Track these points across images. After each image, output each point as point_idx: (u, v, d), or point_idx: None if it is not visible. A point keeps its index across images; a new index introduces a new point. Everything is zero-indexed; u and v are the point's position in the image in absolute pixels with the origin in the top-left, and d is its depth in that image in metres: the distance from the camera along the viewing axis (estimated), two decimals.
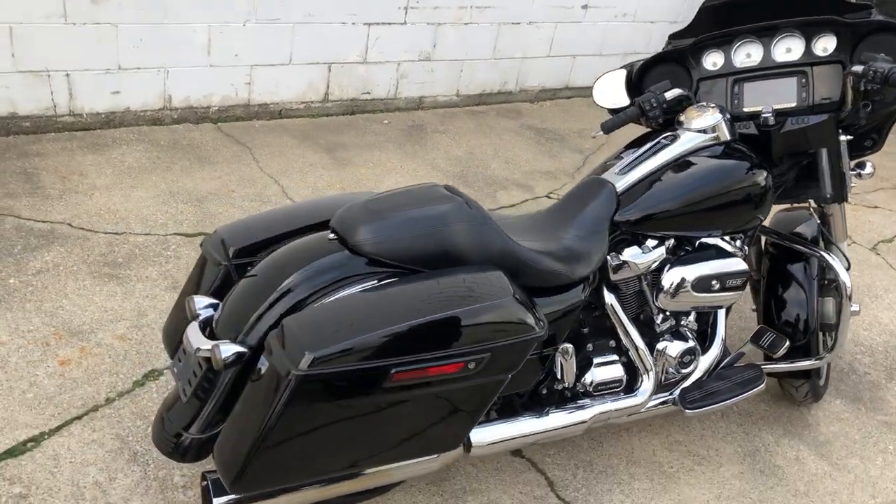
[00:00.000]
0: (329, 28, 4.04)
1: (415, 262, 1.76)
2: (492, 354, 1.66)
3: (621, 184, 2.13)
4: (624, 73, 2.43)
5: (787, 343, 2.36)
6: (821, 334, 2.54)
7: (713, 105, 2.24)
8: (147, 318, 2.57)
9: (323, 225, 1.93)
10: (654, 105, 2.24)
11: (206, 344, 1.67)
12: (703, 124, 2.21)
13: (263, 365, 1.62)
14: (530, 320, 1.72)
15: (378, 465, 1.73)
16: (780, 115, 2.24)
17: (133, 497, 1.96)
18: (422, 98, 4.55)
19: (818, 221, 2.54)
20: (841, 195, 2.35)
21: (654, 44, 5.30)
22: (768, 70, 2.30)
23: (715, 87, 2.34)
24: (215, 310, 1.82)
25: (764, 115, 2.22)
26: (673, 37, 2.49)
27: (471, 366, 1.64)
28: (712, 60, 2.34)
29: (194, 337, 1.72)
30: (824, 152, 2.30)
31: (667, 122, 2.33)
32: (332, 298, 1.68)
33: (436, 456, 1.83)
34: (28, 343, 2.38)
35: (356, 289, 1.71)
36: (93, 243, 2.89)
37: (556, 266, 1.95)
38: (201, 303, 1.82)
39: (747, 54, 2.31)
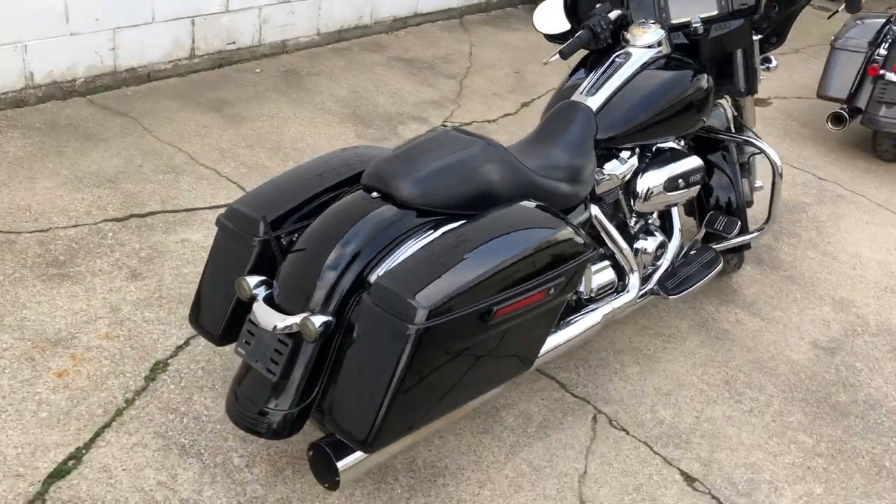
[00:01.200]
0: None
1: (460, 206, 1.86)
2: (564, 278, 1.82)
3: (594, 105, 2.31)
4: (557, 5, 2.58)
5: (739, 224, 2.70)
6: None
7: (653, 21, 2.46)
8: (123, 312, 2.46)
9: (347, 182, 1.96)
10: (605, 27, 2.42)
11: (290, 319, 1.69)
12: (649, 40, 2.42)
13: (362, 327, 1.67)
14: (584, 241, 1.90)
15: (481, 395, 1.86)
16: (706, 22, 2.50)
17: (203, 488, 1.96)
18: (285, 42, 4.44)
19: (729, 113, 2.88)
20: (754, 88, 2.69)
21: None
22: None
23: (643, 2, 2.54)
24: (269, 287, 1.83)
25: (694, 25, 2.47)
26: None
27: (551, 291, 1.79)
28: None
29: (268, 315, 1.73)
30: (740, 52, 2.61)
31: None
32: (407, 253, 1.75)
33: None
34: (11, 363, 2.22)
35: (420, 240, 1.79)
36: (22, 245, 2.67)
37: (569, 189, 2.12)
38: (253, 282, 1.82)
39: None
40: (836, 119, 4.02)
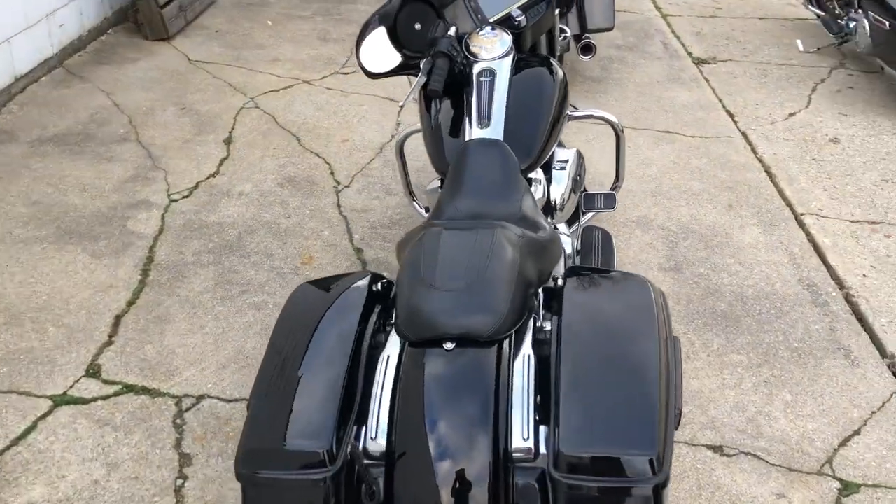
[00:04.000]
0: None
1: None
2: None
3: (499, 135, 2.12)
4: (384, 29, 2.27)
5: (615, 194, 2.71)
6: None
7: (493, 27, 2.29)
8: None
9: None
10: (457, 48, 2.20)
11: None
12: (503, 48, 2.25)
13: None
14: None
15: None
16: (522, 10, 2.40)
17: None
18: None
19: None
20: (562, 61, 2.70)
21: None
22: None
23: (457, 9, 2.35)
24: None
25: (518, 19, 2.36)
26: None
27: None
28: None
29: None
30: (548, 30, 2.60)
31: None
32: (527, 398, 1.49)
33: None
34: None
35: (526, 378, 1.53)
36: None
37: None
38: None
39: None
40: (585, 48, 4.23)
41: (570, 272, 1.75)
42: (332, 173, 3.59)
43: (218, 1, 5.44)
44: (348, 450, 1.46)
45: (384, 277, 1.81)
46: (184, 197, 3.37)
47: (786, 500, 2.15)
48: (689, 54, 5.08)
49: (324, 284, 1.83)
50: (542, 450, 1.44)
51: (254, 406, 1.52)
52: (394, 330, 1.66)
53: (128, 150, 3.68)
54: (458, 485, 1.40)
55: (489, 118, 2.16)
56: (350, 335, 1.62)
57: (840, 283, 3.00)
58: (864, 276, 3.04)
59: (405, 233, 2.05)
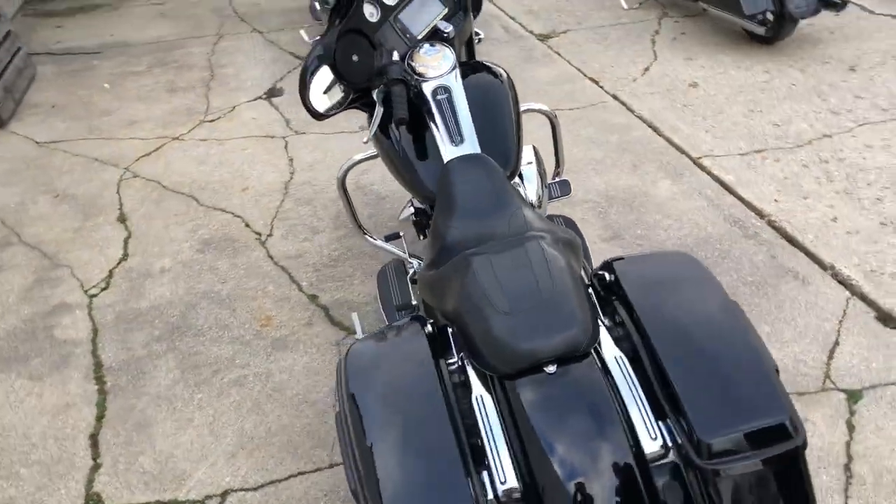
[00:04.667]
0: None
1: None
2: None
3: (476, 149, 2.12)
4: (327, 68, 2.20)
5: (568, 181, 2.77)
6: None
7: (432, 43, 2.27)
8: None
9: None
10: (408, 71, 2.19)
11: None
12: (449, 63, 2.24)
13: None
14: None
15: None
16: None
17: None
18: None
19: None
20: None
21: None
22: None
23: (386, 33, 2.31)
24: None
25: (446, 31, 2.35)
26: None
27: None
28: (370, 12, 2.27)
29: None
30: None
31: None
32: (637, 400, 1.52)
33: None
34: None
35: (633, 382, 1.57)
36: None
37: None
38: None
39: None
40: None
41: (605, 266, 1.79)
42: (247, 226, 3.43)
43: (39, 73, 5.00)
44: (488, 501, 1.44)
45: (427, 320, 1.78)
46: (102, 290, 3.10)
47: (810, 423, 2.33)
48: (531, 33, 5.27)
49: (376, 340, 1.77)
50: (669, 444, 1.48)
51: (383, 482, 1.45)
52: (471, 368, 1.64)
53: (16, 254, 3.33)
54: (608, 500, 1.41)
55: (461, 134, 2.16)
56: (434, 385, 1.58)
57: (759, 213, 3.26)
58: (776, 200, 3.32)
59: (420, 272, 2.02)
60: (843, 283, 2.84)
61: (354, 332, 2.73)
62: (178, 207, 3.58)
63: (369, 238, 2.87)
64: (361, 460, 1.50)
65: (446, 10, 2.40)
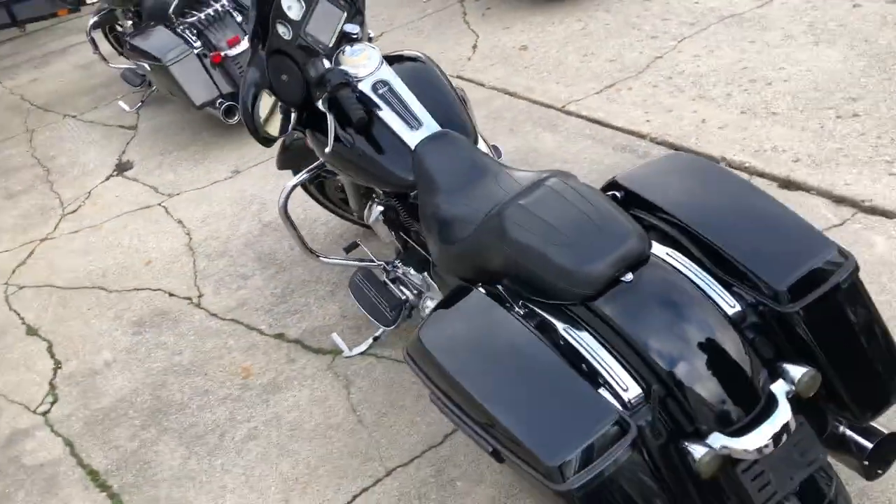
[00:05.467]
0: None
1: None
2: None
3: (436, 128, 2.22)
4: (268, 92, 2.21)
5: None
6: None
7: (352, 44, 2.32)
8: None
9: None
10: (350, 75, 2.22)
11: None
12: (377, 56, 2.31)
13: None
14: None
15: None
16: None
17: None
18: None
19: None
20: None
21: None
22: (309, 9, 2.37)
23: (302, 48, 2.31)
24: None
25: (354, 34, 2.40)
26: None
27: None
28: (282, 31, 2.27)
29: None
30: None
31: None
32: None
33: None
34: None
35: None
36: None
37: None
38: None
39: (288, 7, 2.30)
40: (228, 111, 4.20)
41: (611, 185, 1.96)
42: (171, 295, 3.30)
43: None
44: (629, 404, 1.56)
45: (476, 283, 1.86)
46: (52, 403, 2.87)
47: None
48: None
49: (438, 319, 1.83)
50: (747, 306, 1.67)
51: (522, 427, 1.52)
52: (539, 309, 1.74)
53: None
54: (728, 364, 1.58)
55: (416, 118, 2.26)
56: (523, 330, 1.68)
57: (640, 135, 3.59)
58: (648, 121, 3.67)
59: (439, 253, 2.07)
60: (740, 168, 3.20)
61: (342, 352, 2.76)
62: (87, 301, 3.37)
63: (325, 259, 2.88)
64: (491, 418, 1.56)
65: (345, 15, 2.46)
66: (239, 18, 4.33)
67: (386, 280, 2.65)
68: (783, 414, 1.53)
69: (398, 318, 2.57)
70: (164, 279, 3.41)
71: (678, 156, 2.03)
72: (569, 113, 3.91)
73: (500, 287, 1.85)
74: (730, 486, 1.56)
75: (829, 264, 1.64)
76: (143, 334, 3.12)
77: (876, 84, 3.47)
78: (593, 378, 1.62)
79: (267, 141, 2.30)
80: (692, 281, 1.70)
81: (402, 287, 2.60)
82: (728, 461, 1.54)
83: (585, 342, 1.67)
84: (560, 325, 1.71)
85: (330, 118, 2.25)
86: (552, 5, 5.12)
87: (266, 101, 2.25)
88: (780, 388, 1.57)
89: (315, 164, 2.66)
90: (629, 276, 1.66)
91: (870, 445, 1.67)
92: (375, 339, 2.76)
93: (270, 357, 2.86)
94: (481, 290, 1.83)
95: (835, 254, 1.65)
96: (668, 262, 1.74)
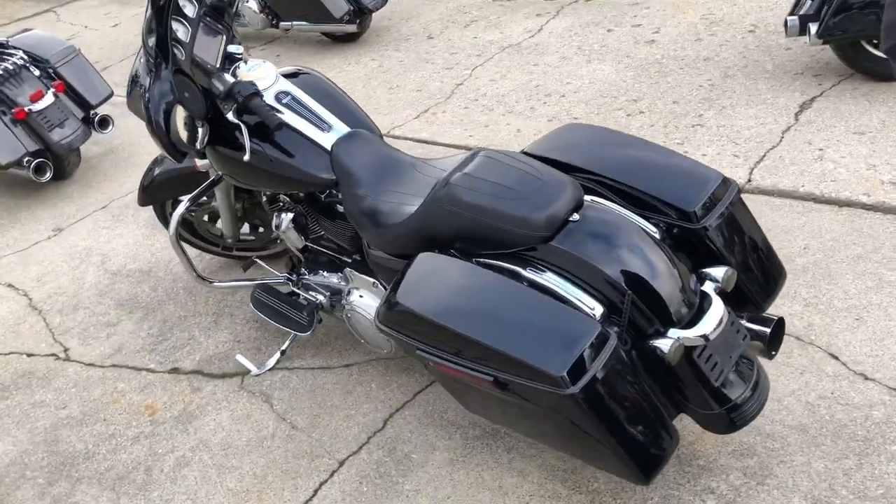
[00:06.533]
0: None
1: None
2: None
3: (346, 129, 2.40)
4: (180, 108, 2.26)
5: None
6: None
7: (245, 60, 2.43)
8: None
9: None
10: (248, 87, 2.30)
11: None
12: (274, 70, 2.45)
13: None
14: None
15: None
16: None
17: None
18: None
19: None
20: None
21: None
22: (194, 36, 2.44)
23: (195, 68, 2.38)
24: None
25: (238, 54, 2.51)
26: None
27: None
28: (177, 52, 2.32)
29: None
30: None
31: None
32: None
33: None
34: None
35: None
36: None
37: None
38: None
39: (177, 30, 2.35)
40: (38, 169, 3.99)
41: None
42: (31, 355, 3.07)
43: None
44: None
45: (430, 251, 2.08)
46: None
47: None
48: None
49: (412, 276, 2.01)
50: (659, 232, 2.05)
51: (516, 351, 1.76)
52: (493, 260, 2.00)
53: None
54: (669, 274, 1.93)
55: (325, 122, 2.43)
56: (489, 273, 1.95)
57: (468, 148, 3.96)
58: (470, 136, 4.06)
59: (379, 236, 2.24)
60: None
61: (250, 372, 2.78)
62: None
63: (219, 284, 2.89)
64: (488, 349, 1.79)
65: (225, 38, 2.56)
66: (37, 73, 4.13)
67: (294, 289, 2.73)
68: (718, 305, 1.90)
69: (313, 321, 2.66)
70: (15, 342, 3.16)
71: (573, 125, 2.38)
72: (395, 136, 4.20)
73: (452, 252, 2.07)
74: (689, 372, 1.90)
75: (720, 188, 2.06)
76: (12, 398, 2.87)
77: (648, 87, 4.16)
78: (564, 303, 1.90)
79: (182, 155, 2.32)
80: (622, 215, 2.04)
81: (311, 292, 2.69)
82: (685, 351, 1.88)
83: (547, 277, 1.94)
84: (519, 268, 1.97)
85: (243, 127, 2.33)
86: (342, 48, 5.44)
87: (179, 114, 2.30)
88: (709, 287, 1.96)
89: (205, 183, 2.70)
90: (576, 216, 1.97)
91: (767, 330, 2.09)
92: (283, 352, 2.81)
93: (172, 391, 2.78)
94: (437, 253, 2.04)
95: (722, 179, 2.08)
96: (597, 203, 2.07)
